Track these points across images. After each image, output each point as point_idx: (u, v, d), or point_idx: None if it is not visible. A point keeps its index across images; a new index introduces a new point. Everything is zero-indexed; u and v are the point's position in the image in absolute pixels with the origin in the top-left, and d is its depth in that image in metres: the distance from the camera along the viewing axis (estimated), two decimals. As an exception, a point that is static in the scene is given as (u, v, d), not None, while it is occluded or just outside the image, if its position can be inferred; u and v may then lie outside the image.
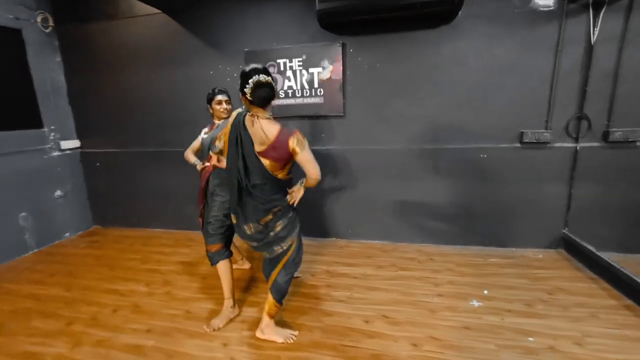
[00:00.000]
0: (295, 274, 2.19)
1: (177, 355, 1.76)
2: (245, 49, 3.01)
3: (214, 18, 3.04)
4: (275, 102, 3.02)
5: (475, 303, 2.10)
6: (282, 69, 2.95)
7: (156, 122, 3.42)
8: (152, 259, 2.94)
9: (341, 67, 2.82)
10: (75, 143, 3.62)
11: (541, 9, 2.46)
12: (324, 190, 3.10)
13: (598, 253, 2.36)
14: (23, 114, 3.20)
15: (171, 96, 3.32)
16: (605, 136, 2.51)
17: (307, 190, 1.78)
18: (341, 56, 2.80)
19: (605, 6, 2.34)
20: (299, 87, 2.95)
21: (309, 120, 3.02)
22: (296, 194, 1.75)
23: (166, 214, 3.62)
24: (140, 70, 3.35)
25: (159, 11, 3.11)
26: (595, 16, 2.37)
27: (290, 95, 2.98)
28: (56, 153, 3.45)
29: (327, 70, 2.85)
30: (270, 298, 1.82)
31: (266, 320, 1.85)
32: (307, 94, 2.94)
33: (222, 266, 2.04)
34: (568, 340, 1.74)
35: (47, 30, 3.37)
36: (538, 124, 2.63)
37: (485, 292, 2.22)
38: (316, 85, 2.90)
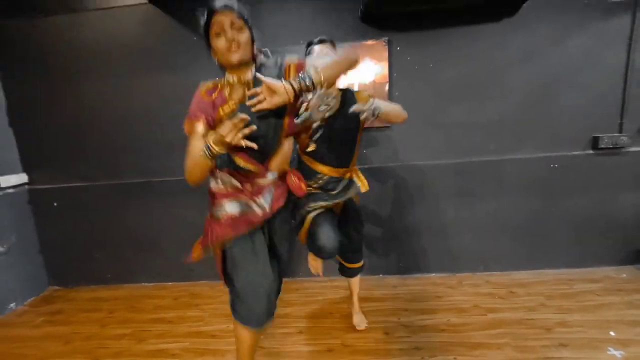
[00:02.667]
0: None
1: None
2: (264, 49, 2.40)
3: (219, 11, 2.41)
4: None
5: (615, 352, 1.66)
6: (311, 72, 2.38)
7: (138, 145, 2.63)
8: (151, 332, 2.12)
9: (387, 69, 2.34)
10: (20, 178, 2.67)
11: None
12: (366, 218, 2.54)
13: None
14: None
15: (160, 112, 2.57)
16: (683, 137, 2.30)
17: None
18: (387, 55, 2.32)
19: (680, -4, 2.15)
20: (334, 94, 2.40)
21: (347, 133, 2.47)
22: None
23: (156, 264, 2.78)
24: (114, 78, 2.57)
25: (144, 0, 2.40)
26: (669, 7, 2.17)
27: (323, 103, 2.41)
28: (-7, 193, 2.50)
29: (371, 71, 2.35)
30: None
31: None
32: (345, 102, 2.39)
33: None
34: None
35: (-24, 27, 2.47)
36: (610, 127, 2.35)
37: (612, 333, 1.80)
38: (356, 90, 2.37)
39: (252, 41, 1.23)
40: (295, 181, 1.40)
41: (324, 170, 1.61)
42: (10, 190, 2.61)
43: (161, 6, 2.43)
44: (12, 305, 2.55)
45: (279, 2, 2.37)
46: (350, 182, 1.72)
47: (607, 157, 2.38)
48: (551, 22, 2.25)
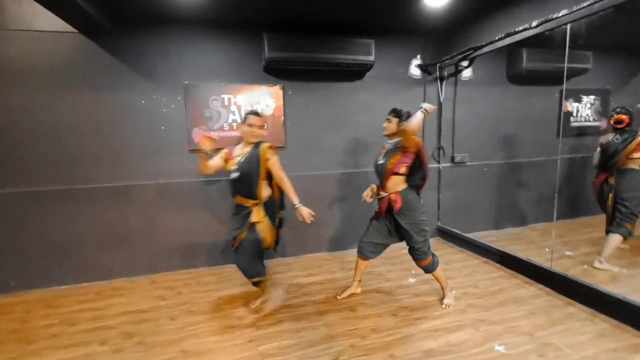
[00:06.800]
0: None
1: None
2: (185, 82, 3.04)
3: (147, 45, 2.95)
4: (219, 134, 3.16)
5: (412, 280, 2.91)
6: (226, 103, 3.13)
7: (59, 155, 2.86)
8: (81, 318, 2.41)
9: (282, 106, 3.28)
10: None
11: (414, 77, 3.71)
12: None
13: (462, 234, 3.65)
14: None
15: (86, 125, 2.89)
16: (452, 159, 3.94)
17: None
18: (282, 96, 3.27)
19: (445, 80, 3.79)
20: (243, 121, 3.19)
21: (253, 150, 3.28)
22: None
23: (72, 267, 2.95)
24: (36, 92, 2.77)
25: (73, 30, 2.74)
26: (441, 85, 3.79)
27: (235, 127, 3.18)
28: None
29: (270, 107, 3.25)
30: None
31: None
32: (252, 127, 3.21)
33: None
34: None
35: None
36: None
37: (413, 272, 3.07)
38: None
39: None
40: None
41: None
42: None
43: (89, 36, 2.82)
44: None
45: (202, 50, 3.07)
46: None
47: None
48: (381, 86, 3.61)
